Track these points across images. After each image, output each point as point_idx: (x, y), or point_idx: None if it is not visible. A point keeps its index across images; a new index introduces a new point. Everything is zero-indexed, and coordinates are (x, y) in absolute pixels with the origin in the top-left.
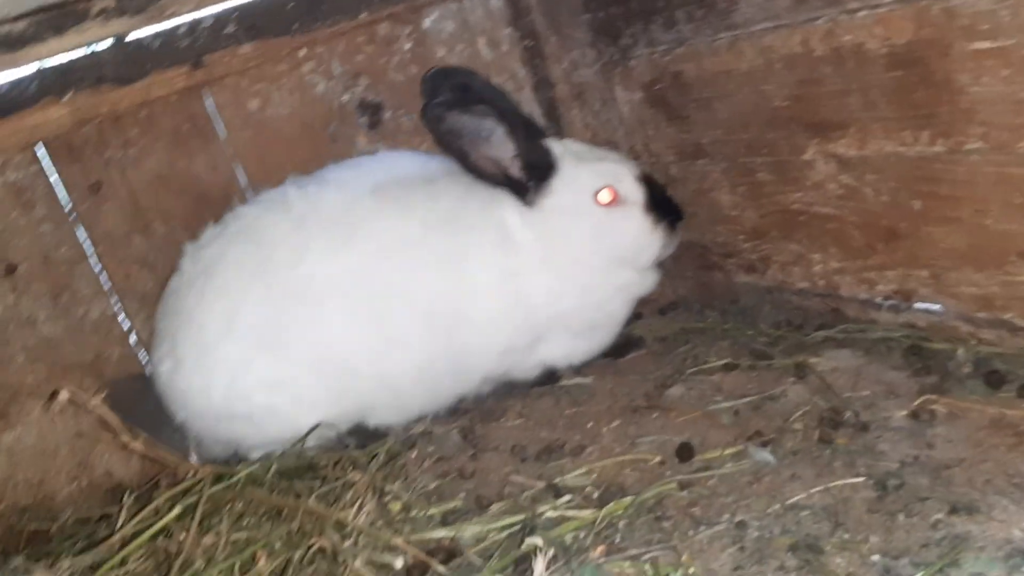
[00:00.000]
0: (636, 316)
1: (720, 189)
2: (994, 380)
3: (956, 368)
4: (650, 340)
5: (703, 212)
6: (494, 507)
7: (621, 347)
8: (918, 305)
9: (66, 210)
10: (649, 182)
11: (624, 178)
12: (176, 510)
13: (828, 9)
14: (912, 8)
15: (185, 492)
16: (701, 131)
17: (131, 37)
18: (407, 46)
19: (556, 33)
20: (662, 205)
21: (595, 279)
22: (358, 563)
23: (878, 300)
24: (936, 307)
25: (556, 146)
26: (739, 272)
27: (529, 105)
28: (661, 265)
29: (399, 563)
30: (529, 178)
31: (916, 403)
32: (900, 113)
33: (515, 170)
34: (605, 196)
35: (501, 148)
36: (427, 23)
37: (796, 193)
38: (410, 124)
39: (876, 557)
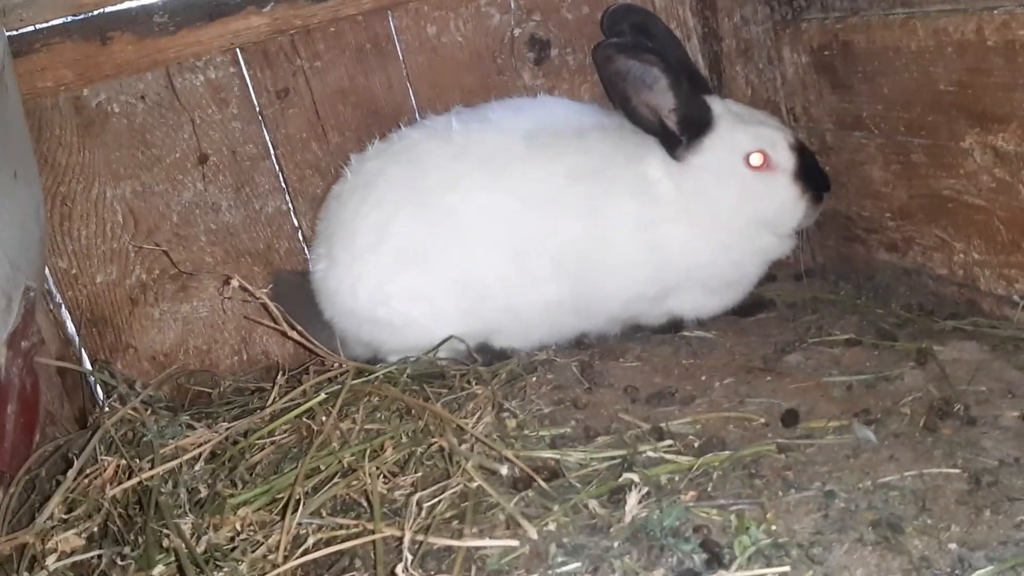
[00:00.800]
0: (770, 278)
1: (873, 164)
2: None
3: None
4: (780, 304)
5: (853, 184)
6: (600, 439)
7: (749, 307)
8: None
9: (255, 111)
10: (801, 151)
11: (778, 144)
12: (320, 396)
13: (1005, 1)
14: None
15: (330, 381)
16: (863, 103)
17: None
18: None
19: None
20: (811, 175)
21: (733, 238)
22: (469, 465)
23: (1015, 298)
24: None
25: (716, 104)
26: (880, 249)
27: (694, 55)
28: (801, 232)
29: (504, 470)
30: (683, 131)
31: None
32: None
33: (671, 122)
34: (756, 159)
35: (662, 98)
36: None
37: (949, 179)
38: (575, 63)
39: (953, 545)
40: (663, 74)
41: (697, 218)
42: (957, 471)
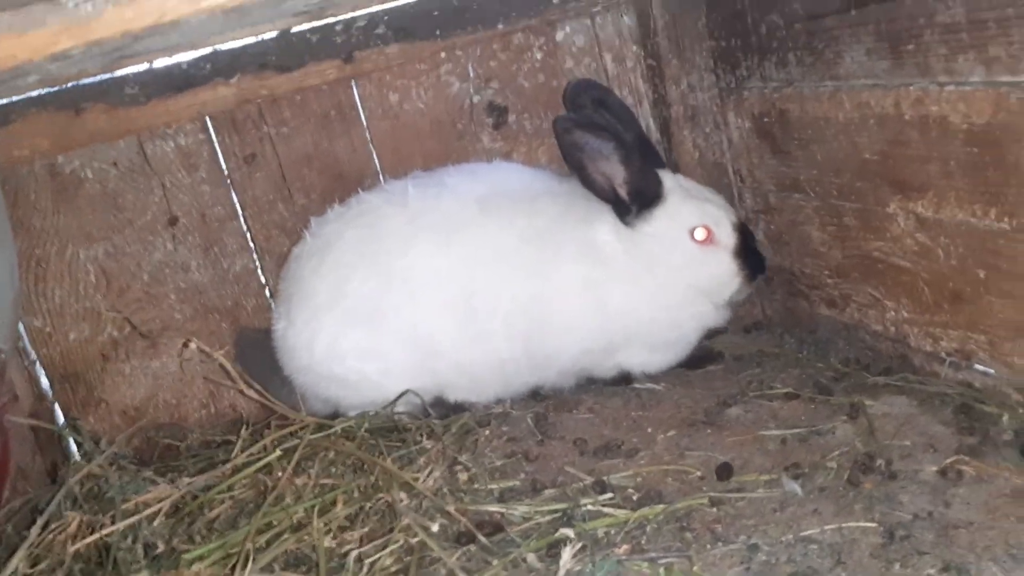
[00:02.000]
0: (721, 331)
1: (811, 224)
2: None
3: (997, 434)
4: (728, 356)
5: (795, 243)
6: (546, 492)
7: (698, 359)
8: (976, 366)
9: (224, 175)
10: (742, 231)
11: (721, 222)
12: (276, 452)
13: (920, 78)
14: (993, 92)
15: (291, 435)
16: (799, 168)
17: (294, 30)
18: (538, 56)
19: (678, 56)
20: (749, 256)
21: (673, 302)
22: (406, 521)
23: (941, 355)
24: (991, 371)
25: (668, 178)
26: (821, 304)
27: (645, 120)
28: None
29: (435, 527)
30: (634, 201)
31: (948, 461)
32: (973, 186)
33: (623, 192)
34: (700, 234)
35: (615, 170)
36: (560, 36)
37: (877, 242)
38: (531, 127)
39: None
40: (615, 149)
41: (641, 280)
42: (874, 525)
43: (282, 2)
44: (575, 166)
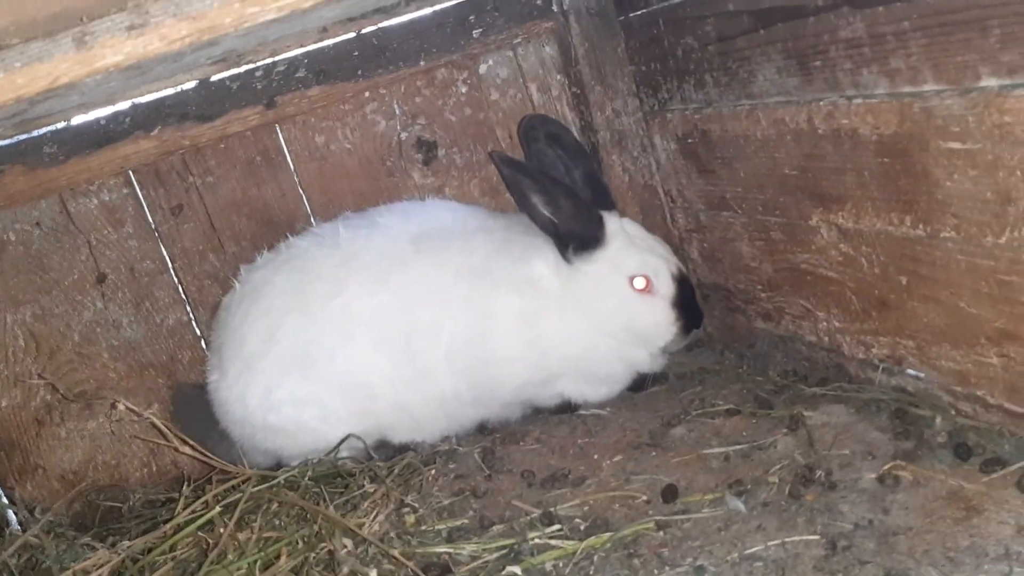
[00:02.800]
0: (660, 378)
1: (741, 240)
2: (962, 452)
3: (932, 436)
4: (671, 376)
5: (727, 259)
6: (495, 528)
7: (642, 382)
8: (908, 371)
9: (151, 228)
10: (682, 282)
11: (661, 273)
12: (216, 509)
13: (829, 93)
14: (897, 103)
15: (233, 489)
16: (725, 186)
17: (213, 79)
18: (463, 90)
19: (601, 83)
20: (686, 307)
21: (605, 342)
22: (346, 570)
23: (874, 361)
24: (922, 375)
25: (612, 222)
26: (757, 318)
27: None
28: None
29: (374, 573)
30: (575, 241)
31: (885, 467)
32: (888, 195)
33: (564, 230)
34: (640, 283)
35: (557, 209)
36: (483, 69)
37: (804, 254)
38: (462, 161)
39: None
40: (544, 192)
41: (575, 316)
42: (816, 537)
43: (181, 57)
44: (516, 197)
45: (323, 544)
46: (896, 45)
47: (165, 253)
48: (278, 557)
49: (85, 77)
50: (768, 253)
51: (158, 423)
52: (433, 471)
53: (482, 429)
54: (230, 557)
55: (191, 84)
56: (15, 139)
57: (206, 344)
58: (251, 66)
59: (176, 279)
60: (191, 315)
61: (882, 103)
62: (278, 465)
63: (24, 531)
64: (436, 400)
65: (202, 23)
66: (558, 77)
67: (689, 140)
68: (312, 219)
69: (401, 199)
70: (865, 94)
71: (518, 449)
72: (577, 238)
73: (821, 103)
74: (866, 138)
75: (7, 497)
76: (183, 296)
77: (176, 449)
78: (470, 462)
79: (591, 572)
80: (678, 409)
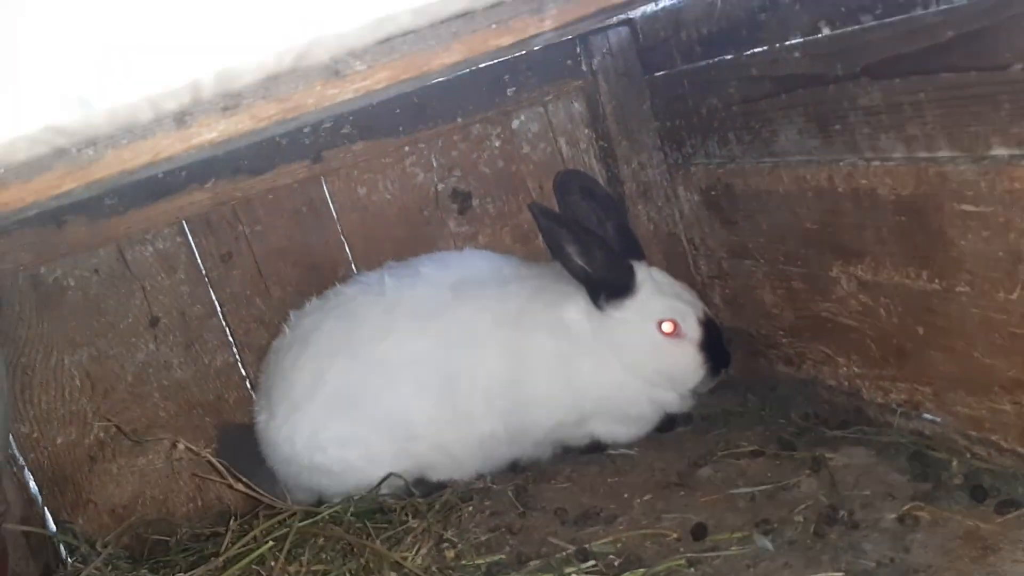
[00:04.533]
0: (686, 419)
1: (763, 288)
2: (978, 494)
3: (949, 478)
4: (696, 416)
5: (749, 305)
6: (532, 563)
7: (669, 423)
8: (925, 415)
9: (202, 274)
10: (708, 326)
11: (688, 317)
12: (268, 543)
13: (849, 155)
14: (914, 167)
15: (279, 524)
16: (747, 236)
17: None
18: (496, 143)
19: (627, 137)
20: (714, 349)
21: (634, 385)
22: None
23: (893, 406)
24: (939, 419)
25: (641, 271)
26: (779, 363)
27: None
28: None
29: None
30: (606, 289)
31: (905, 508)
32: (905, 251)
33: (596, 279)
34: (667, 327)
35: (590, 259)
36: (515, 124)
37: (825, 303)
38: (495, 210)
39: None
40: (577, 243)
41: (606, 360)
42: (841, 574)
43: (262, 132)
44: (551, 246)
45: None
46: (912, 114)
47: (214, 298)
48: None
49: (182, 152)
50: (789, 301)
51: (214, 462)
52: (471, 507)
53: (514, 467)
54: None
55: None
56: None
57: (251, 385)
58: (300, 123)
59: (224, 323)
60: (238, 357)
61: (899, 166)
62: (319, 503)
63: (82, 564)
64: (474, 440)
65: (288, 104)
66: (586, 132)
67: (712, 193)
68: (354, 266)
69: (437, 246)
70: (883, 157)
71: (550, 487)
72: (609, 286)
73: (841, 164)
74: (884, 198)
75: (71, 532)
76: (230, 339)
77: (230, 485)
78: (504, 500)
79: None
80: (704, 450)
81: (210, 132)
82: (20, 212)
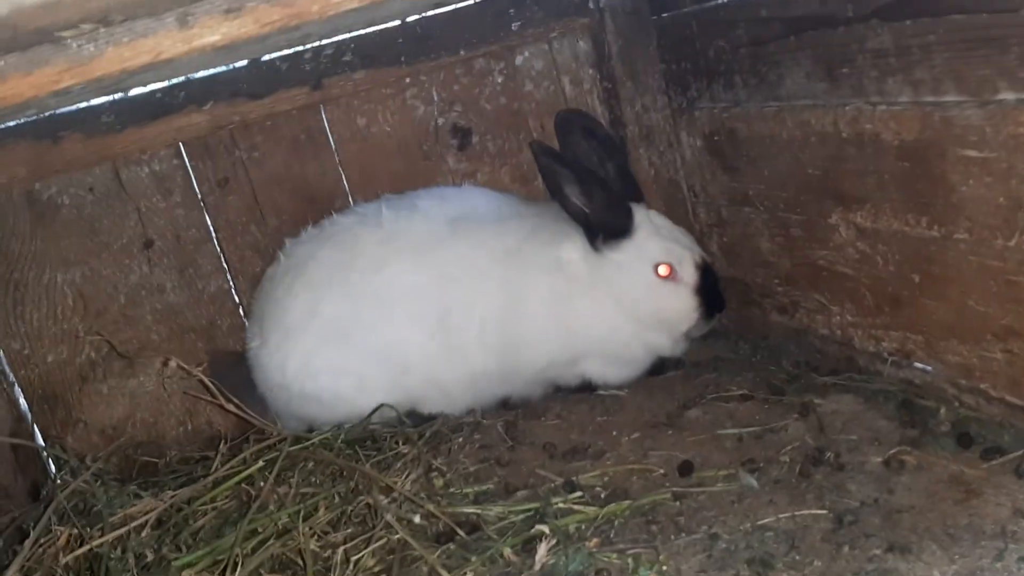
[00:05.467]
0: (679, 363)
1: (761, 236)
2: (964, 441)
3: (936, 426)
4: (686, 362)
5: (746, 254)
6: (519, 493)
7: (659, 366)
8: (916, 364)
9: (198, 198)
10: (705, 270)
11: (685, 261)
12: (259, 463)
13: (855, 99)
14: (919, 111)
15: (269, 448)
16: (748, 183)
17: (264, 58)
18: (499, 79)
19: (632, 79)
20: (709, 294)
21: (629, 327)
22: (389, 516)
23: (884, 355)
24: (929, 368)
25: (639, 213)
26: (772, 312)
27: None
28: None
29: (417, 519)
30: (604, 231)
31: (891, 452)
32: (905, 197)
33: (595, 220)
34: (663, 270)
35: (589, 199)
36: (519, 60)
37: (822, 251)
38: (495, 148)
39: None
40: (579, 183)
41: (601, 300)
42: (824, 512)
43: (265, 39)
44: (552, 188)
45: (360, 498)
46: (921, 57)
47: (210, 223)
48: (317, 509)
49: (184, 55)
50: (787, 249)
51: (206, 381)
52: (460, 439)
53: (504, 405)
54: (271, 508)
55: (243, 62)
56: (76, 106)
57: (244, 312)
58: (301, 48)
59: (219, 248)
60: (231, 283)
61: (905, 110)
62: (310, 431)
63: (73, 479)
64: (466, 375)
65: (291, 9)
66: (591, 72)
67: (715, 138)
68: (350, 197)
69: (436, 182)
70: (889, 101)
71: (539, 424)
72: (607, 227)
73: (847, 108)
74: (888, 143)
75: (60, 446)
76: (225, 265)
77: (221, 406)
78: (494, 434)
79: (611, 536)
80: (693, 393)
81: (212, 35)
82: (19, 110)
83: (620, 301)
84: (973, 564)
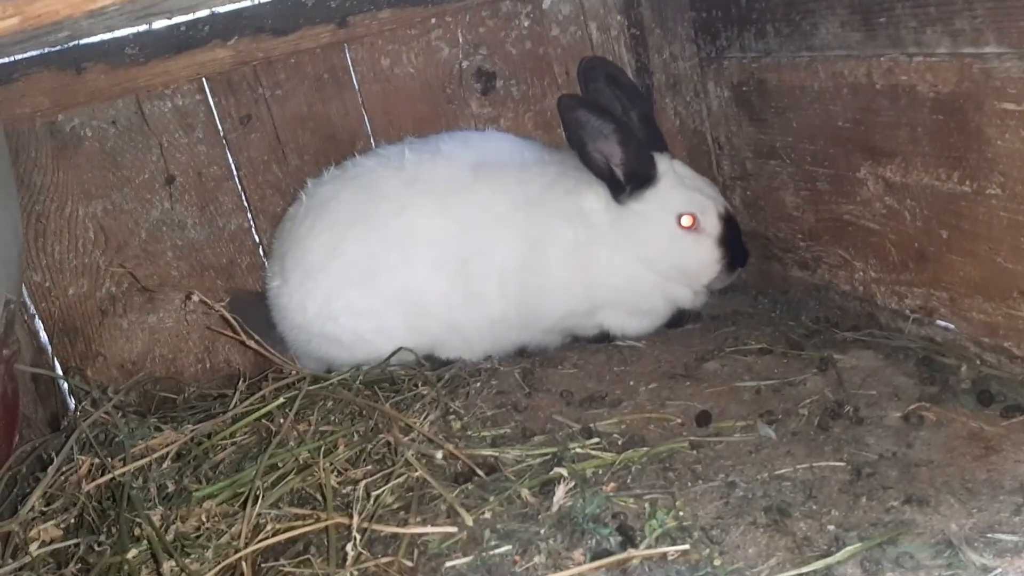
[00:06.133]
0: (696, 316)
1: (786, 190)
2: (984, 398)
3: (956, 383)
4: (704, 316)
5: (769, 208)
6: (536, 438)
7: (677, 319)
8: (938, 322)
9: (220, 135)
10: (728, 221)
11: (708, 211)
12: (279, 400)
13: (891, 49)
14: (957, 63)
15: (288, 387)
16: (776, 135)
17: None
18: (525, 23)
19: (661, 26)
20: (732, 246)
21: (649, 278)
22: (409, 453)
23: (906, 312)
24: (951, 326)
25: (663, 162)
26: (794, 267)
27: None
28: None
29: (439, 456)
30: (628, 181)
31: (910, 407)
32: (938, 151)
33: (619, 172)
34: (687, 221)
35: (613, 150)
36: (546, 4)
37: (848, 205)
38: (519, 94)
39: (832, 527)
40: (615, 131)
41: (623, 251)
42: (842, 464)
43: None
44: (575, 143)
45: (380, 436)
46: (962, 6)
47: (231, 160)
48: (336, 446)
49: None
50: (812, 203)
51: (228, 316)
52: (478, 384)
53: (522, 353)
54: (291, 444)
55: None
56: (100, 38)
57: (264, 251)
58: None
59: (240, 186)
60: (252, 222)
61: (943, 62)
62: (329, 372)
63: (93, 409)
64: (485, 321)
65: None
66: (618, 18)
67: (744, 88)
68: (372, 139)
69: (458, 126)
70: (926, 52)
71: (556, 372)
72: (634, 178)
73: (882, 59)
74: (923, 95)
75: (80, 377)
76: (245, 203)
77: (242, 342)
78: (511, 380)
79: (628, 481)
80: (712, 346)
81: None
82: (50, 33)
83: (642, 251)
84: (991, 518)
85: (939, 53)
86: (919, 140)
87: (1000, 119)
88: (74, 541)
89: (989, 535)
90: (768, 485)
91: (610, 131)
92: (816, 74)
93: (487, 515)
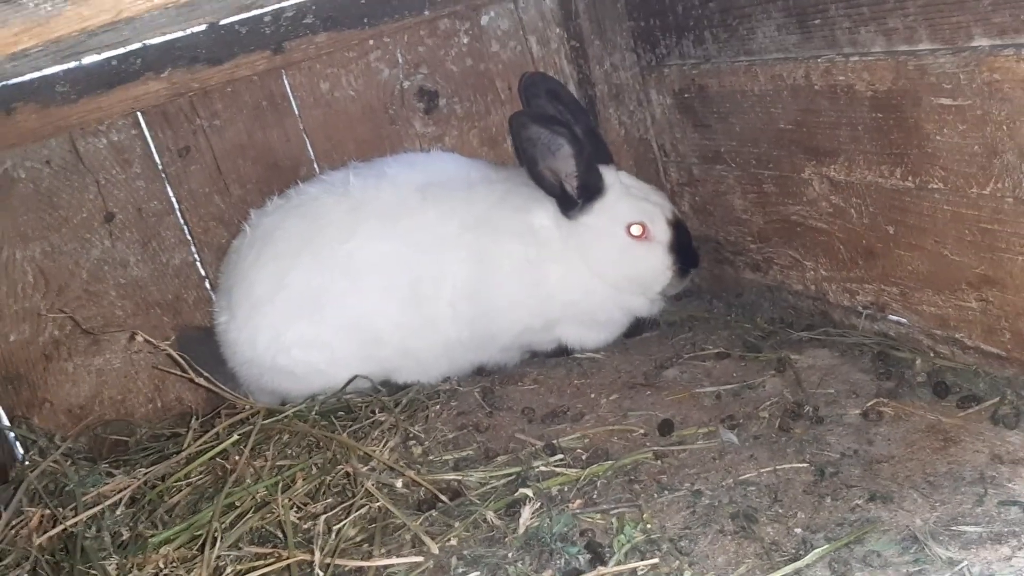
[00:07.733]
0: (653, 323)
1: (733, 193)
2: (940, 390)
3: (912, 376)
4: (662, 323)
5: (718, 212)
6: (499, 458)
7: (635, 328)
8: (890, 317)
9: (158, 169)
10: (677, 227)
11: (657, 219)
12: (233, 437)
13: (827, 50)
14: (893, 61)
15: (242, 422)
16: (720, 140)
17: (223, 22)
18: (465, 40)
19: (600, 37)
20: (683, 251)
21: (603, 290)
22: (369, 483)
23: (858, 308)
24: (904, 320)
25: (610, 174)
26: (746, 269)
27: None
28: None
29: (399, 484)
30: (579, 195)
31: (868, 404)
32: (879, 149)
33: (570, 186)
34: (636, 230)
35: (564, 164)
36: (484, 20)
37: (795, 206)
38: (462, 111)
39: (799, 530)
40: (568, 144)
41: (575, 265)
42: (805, 465)
43: (226, 4)
44: (527, 160)
45: (339, 467)
46: (894, 5)
47: (172, 194)
48: (295, 481)
49: (145, 12)
50: (760, 205)
51: (174, 355)
52: (437, 406)
53: (480, 372)
54: (247, 481)
55: (201, 27)
56: (28, 76)
57: (211, 285)
58: (260, 11)
59: (182, 220)
60: (196, 256)
61: (878, 61)
62: (283, 405)
63: (40, 458)
64: (440, 344)
65: None
66: (557, 31)
67: (686, 95)
68: (316, 164)
69: (402, 147)
70: (862, 52)
71: (517, 389)
72: (585, 190)
73: (819, 60)
74: (861, 94)
75: (27, 426)
76: (189, 237)
77: (191, 380)
78: (471, 400)
79: (594, 497)
80: (670, 353)
81: None
82: None
83: (594, 264)
84: (954, 510)
85: (874, 52)
86: (860, 139)
87: (938, 114)
88: None
89: (953, 528)
90: (733, 491)
91: (561, 145)
92: (756, 78)
93: (453, 542)
